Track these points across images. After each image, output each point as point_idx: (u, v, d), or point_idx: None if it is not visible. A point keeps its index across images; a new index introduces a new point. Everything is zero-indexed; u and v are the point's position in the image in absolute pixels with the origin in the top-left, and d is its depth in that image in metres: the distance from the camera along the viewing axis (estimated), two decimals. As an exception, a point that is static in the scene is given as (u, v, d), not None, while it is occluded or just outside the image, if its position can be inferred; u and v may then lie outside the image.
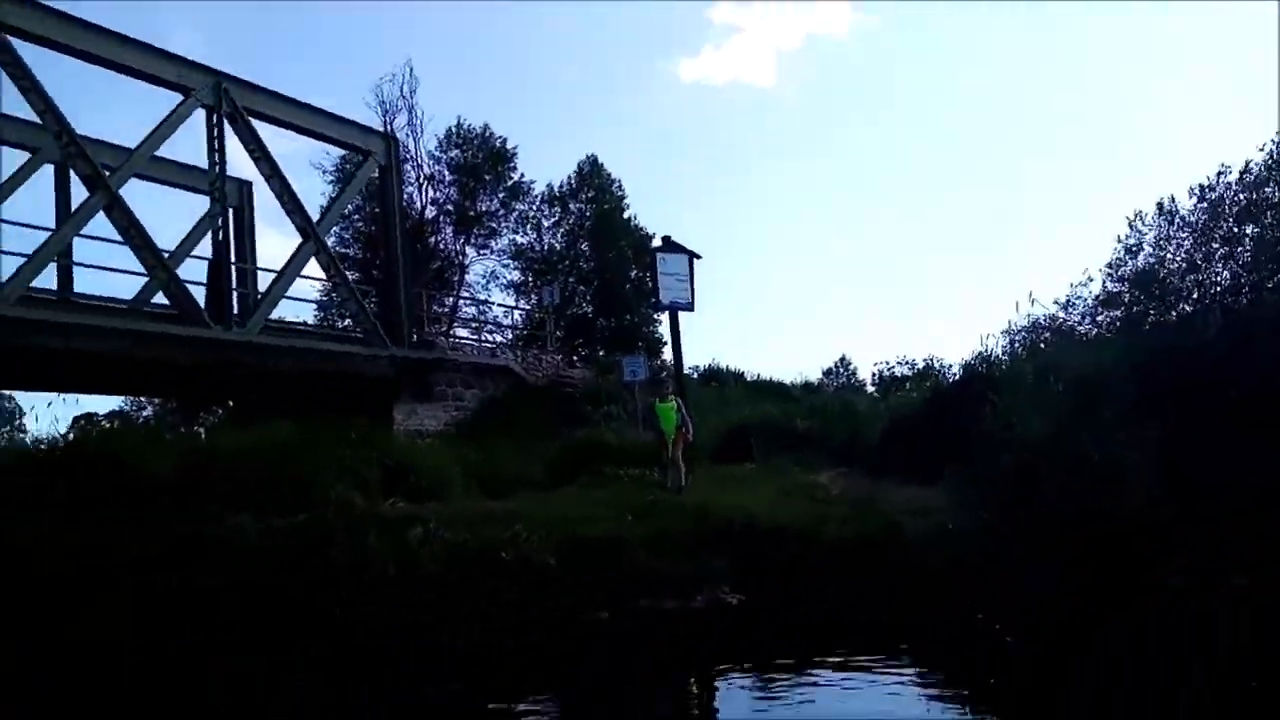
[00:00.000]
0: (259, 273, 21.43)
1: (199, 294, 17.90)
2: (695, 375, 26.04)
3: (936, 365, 33.53)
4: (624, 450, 15.13)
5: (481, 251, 35.68)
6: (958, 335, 68.81)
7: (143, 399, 32.57)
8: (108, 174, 15.05)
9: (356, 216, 33.26)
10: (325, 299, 32.75)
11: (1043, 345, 16.55)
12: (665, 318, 37.13)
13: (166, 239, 19.11)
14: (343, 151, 30.34)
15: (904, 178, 68.05)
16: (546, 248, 36.41)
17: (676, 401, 11.82)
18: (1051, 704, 5.77)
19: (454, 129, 34.48)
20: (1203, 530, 8.89)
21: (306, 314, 32.51)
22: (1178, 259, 12.09)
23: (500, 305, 33.95)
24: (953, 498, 10.17)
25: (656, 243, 13.35)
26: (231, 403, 27.90)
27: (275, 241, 69.49)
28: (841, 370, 42.49)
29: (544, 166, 66.77)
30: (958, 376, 12.63)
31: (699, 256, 13.12)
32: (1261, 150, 12.28)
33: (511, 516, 10.08)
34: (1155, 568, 8.70)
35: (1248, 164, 12.23)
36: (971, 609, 8.41)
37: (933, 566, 8.96)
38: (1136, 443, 9.46)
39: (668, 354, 34.55)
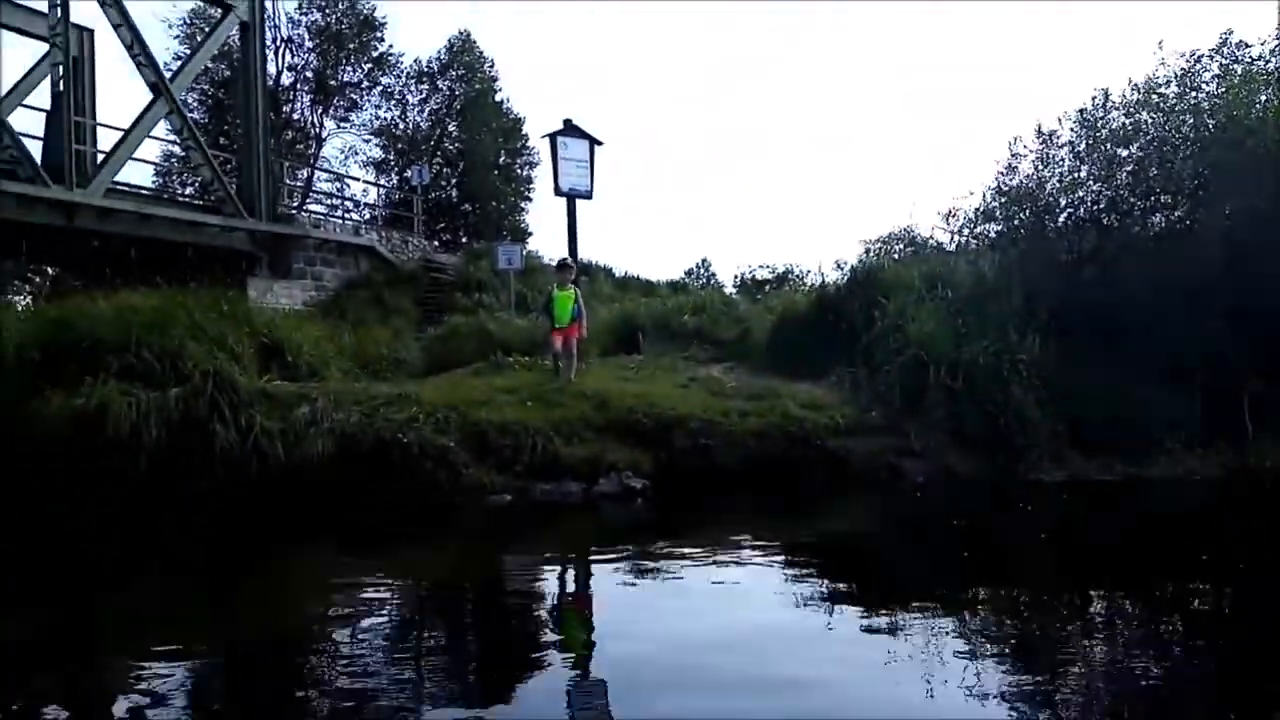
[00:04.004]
0: (100, 132, 19.58)
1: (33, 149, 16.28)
2: (565, 268, 25.78)
3: (797, 270, 34.49)
4: (507, 338, 14.89)
5: (341, 124, 33.86)
6: (816, 242, 70.15)
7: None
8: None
9: (203, 77, 30.75)
10: (165, 164, 30.44)
11: (898, 254, 17.24)
12: (536, 207, 36.34)
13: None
14: (191, 5, 27.87)
15: (779, 84, 68.27)
16: (411, 125, 34.80)
17: (576, 291, 11.58)
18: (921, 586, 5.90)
19: (320, -11, 32.15)
20: (1077, 433, 9.60)
21: (142, 178, 30.24)
22: (1055, 177, 12.60)
23: (364, 181, 32.46)
24: (843, 394, 10.49)
25: (556, 125, 12.84)
26: (55, 270, 25.78)
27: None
28: (702, 271, 43.10)
29: (413, 39, 63.23)
30: (844, 279, 12.86)
31: (600, 143, 12.74)
32: (1129, 83, 12.95)
33: (405, 399, 9.72)
34: (1034, 465, 9.33)
35: (1105, 94, 12.84)
36: (865, 501, 8.84)
37: (830, 457, 9.31)
38: (1020, 350, 10.01)
39: (533, 244, 34.24)
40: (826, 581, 5.66)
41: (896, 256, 15.51)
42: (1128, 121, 12.32)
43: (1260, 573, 5.57)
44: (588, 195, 12.84)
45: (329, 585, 6.12)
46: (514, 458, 8.95)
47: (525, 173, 35.24)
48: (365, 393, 10.07)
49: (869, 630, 4.46)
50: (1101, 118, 12.83)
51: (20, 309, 15.38)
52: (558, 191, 12.62)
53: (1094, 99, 13.07)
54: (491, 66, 35.52)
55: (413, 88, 34.71)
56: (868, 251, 19.20)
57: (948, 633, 4.39)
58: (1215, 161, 11.23)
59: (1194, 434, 9.73)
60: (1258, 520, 7.48)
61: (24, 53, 19.04)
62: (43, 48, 18.25)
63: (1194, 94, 12.56)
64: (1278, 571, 5.65)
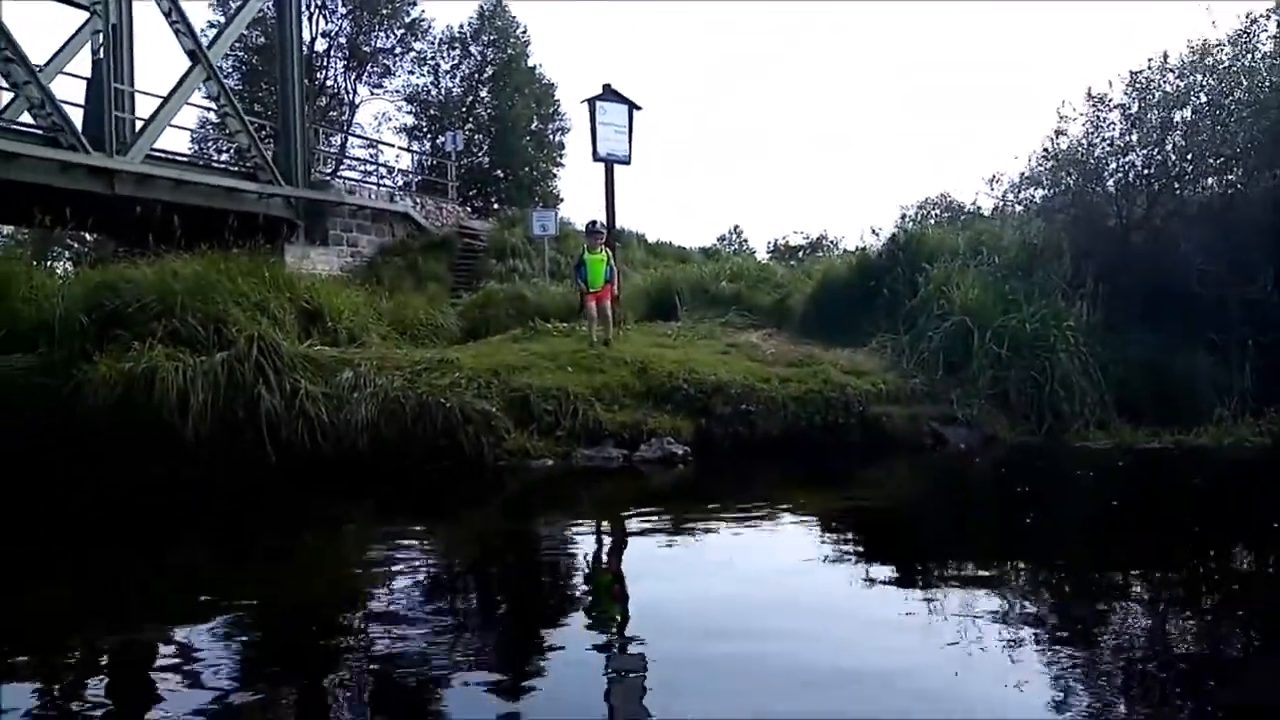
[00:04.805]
0: (139, 99, 19.64)
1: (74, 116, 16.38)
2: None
3: (830, 237, 34.33)
4: (543, 304, 14.89)
5: (374, 91, 33.80)
6: (847, 209, 69.24)
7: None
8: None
9: (238, 45, 30.79)
10: (201, 131, 30.59)
11: (935, 219, 16.99)
12: (568, 173, 36.25)
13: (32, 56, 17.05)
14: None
15: (810, 51, 67.38)
16: (444, 92, 34.67)
17: (607, 254, 11.52)
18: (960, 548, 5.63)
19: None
20: (1123, 400, 9.49)
21: (179, 145, 30.42)
22: (1106, 141, 12.30)
23: (398, 148, 32.43)
24: (885, 361, 10.40)
25: (587, 90, 12.72)
26: (95, 236, 26.05)
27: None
28: (735, 237, 42.88)
29: (444, 6, 62.90)
30: (886, 245, 12.69)
31: (639, 108, 12.61)
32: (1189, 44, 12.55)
33: (446, 364, 9.76)
34: (1080, 433, 9.23)
35: (1164, 56, 12.41)
36: (912, 468, 8.79)
37: (872, 424, 9.27)
38: (1068, 317, 9.87)
39: (566, 210, 34.14)
40: (887, 553, 5.61)
41: (934, 222, 15.34)
42: (1181, 84, 12.00)
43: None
44: (626, 161, 12.73)
45: (372, 547, 6.16)
46: (556, 423, 8.97)
47: (558, 139, 35.05)
48: (407, 358, 10.13)
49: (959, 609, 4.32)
50: (1156, 80, 12.49)
51: (61, 274, 15.57)
52: (596, 157, 12.51)
53: (1150, 61, 12.73)
54: (524, 32, 35.28)
55: (445, 53, 34.57)
56: (904, 217, 19.02)
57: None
58: (1271, 125, 10.94)
59: (1244, 402, 9.55)
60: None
61: (65, 20, 19.07)
62: (83, 15, 18.34)
63: (1249, 56, 12.22)
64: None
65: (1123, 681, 3.32)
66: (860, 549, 5.59)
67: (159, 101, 18.06)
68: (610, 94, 12.61)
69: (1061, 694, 3.17)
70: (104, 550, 6.10)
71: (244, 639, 4.20)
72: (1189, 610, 4.23)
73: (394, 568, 5.39)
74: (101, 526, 6.96)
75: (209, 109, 23.59)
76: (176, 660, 3.84)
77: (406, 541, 6.17)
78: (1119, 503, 6.79)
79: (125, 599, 4.99)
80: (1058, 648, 3.62)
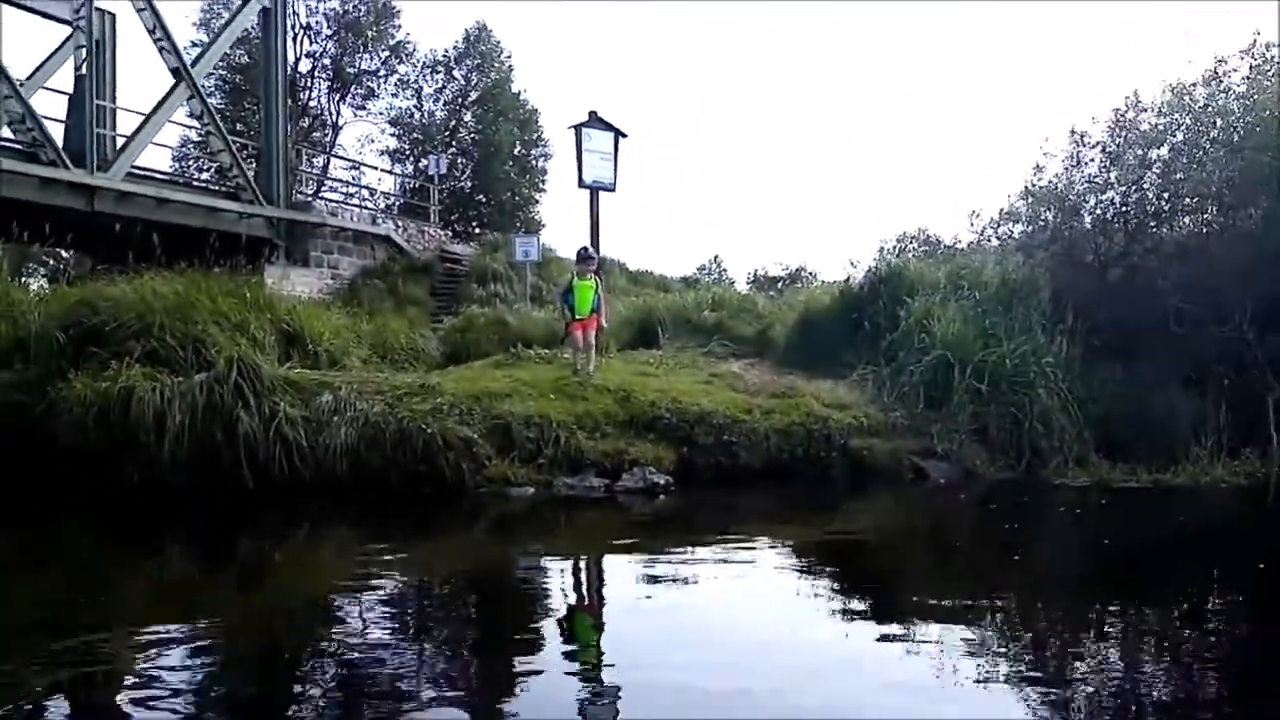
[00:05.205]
0: (121, 116, 19.54)
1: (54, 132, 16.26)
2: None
3: (808, 269, 34.60)
4: (524, 330, 14.84)
5: (358, 113, 33.83)
6: (825, 241, 69.67)
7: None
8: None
9: (222, 63, 30.74)
10: (182, 149, 30.44)
11: (912, 253, 17.16)
12: (550, 199, 36.37)
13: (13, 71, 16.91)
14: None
15: (789, 82, 68.08)
16: (427, 115, 34.74)
17: (596, 282, 11.51)
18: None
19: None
20: (1101, 437, 9.58)
21: (159, 163, 30.24)
22: (1085, 178, 12.47)
23: (381, 170, 32.38)
24: (866, 394, 10.44)
25: (570, 116, 12.79)
26: (73, 253, 25.80)
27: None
28: (715, 267, 43.05)
29: (429, 31, 63.19)
30: (867, 277, 12.77)
31: (625, 135, 12.69)
32: (1165, 83, 12.78)
33: (427, 389, 9.70)
34: (1058, 469, 9.30)
35: (1135, 95, 12.60)
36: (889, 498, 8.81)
37: (853, 457, 9.29)
38: (1047, 353, 9.97)
39: (547, 236, 34.11)
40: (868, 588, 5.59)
41: (912, 255, 15.50)
42: (1159, 122, 12.20)
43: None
44: (611, 188, 12.79)
45: (350, 572, 6.07)
46: (537, 451, 8.92)
47: (540, 164, 35.20)
48: (387, 382, 10.05)
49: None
50: (1133, 119, 12.70)
51: (36, 291, 15.35)
52: (581, 183, 12.55)
53: (1126, 99, 12.95)
54: (508, 57, 35.48)
55: (428, 77, 34.71)
56: (882, 250, 19.21)
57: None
58: (1245, 165, 11.13)
59: (1219, 441, 9.65)
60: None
61: (46, 35, 18.98)
62: (65, 30, 18.25)
63: (1223, 96, 12.45)
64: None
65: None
66: (843, 590, 5.53)
67: (141, 119, 17.97)
68: (597, 121, 12.68)
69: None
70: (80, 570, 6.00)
71: (198, 665, 4.13)
72: (1209, 663, 4.16)
73: (369, 594, 5.33)
74: (73, 543, 6.84)
75: (191, 127, 23.50)
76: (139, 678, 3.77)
77: (384, 569, 6.09)
78: (1110, 542, 6.82)
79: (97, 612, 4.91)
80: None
